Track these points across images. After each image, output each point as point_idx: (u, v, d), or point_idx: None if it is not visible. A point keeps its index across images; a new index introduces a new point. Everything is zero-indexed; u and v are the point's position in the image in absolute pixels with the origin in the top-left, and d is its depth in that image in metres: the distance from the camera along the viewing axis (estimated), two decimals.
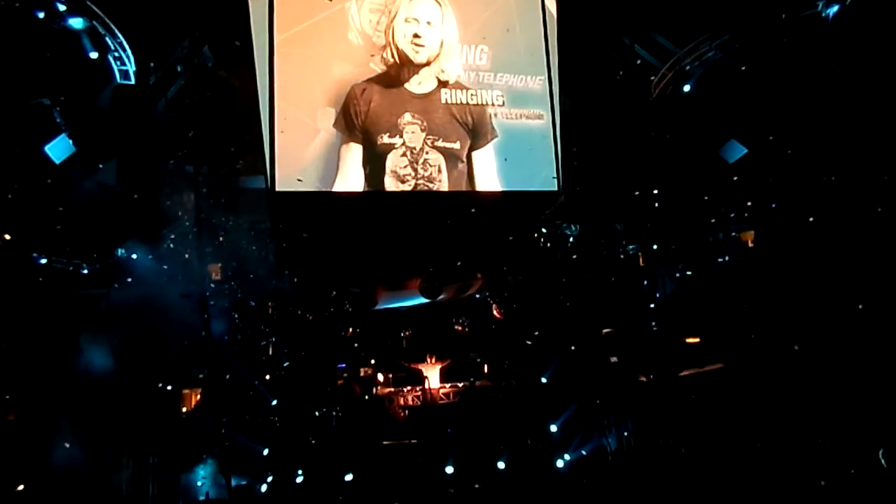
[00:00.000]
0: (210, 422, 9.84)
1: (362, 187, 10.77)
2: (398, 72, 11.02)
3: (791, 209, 11.11)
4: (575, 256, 12.46)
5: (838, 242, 10.37)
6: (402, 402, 11.42)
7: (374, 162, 10.78)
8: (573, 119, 12.08)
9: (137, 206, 10.74)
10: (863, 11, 10.38)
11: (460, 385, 11.57)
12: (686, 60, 11.93)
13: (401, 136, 10.90)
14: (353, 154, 10.72)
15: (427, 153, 10.94)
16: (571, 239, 12.47)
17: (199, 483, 9.49)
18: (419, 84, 11.13)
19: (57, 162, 10.03)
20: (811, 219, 10.92)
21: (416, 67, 11.11)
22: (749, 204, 11.59)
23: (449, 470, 9.57)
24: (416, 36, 11.05)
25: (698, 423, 9.53)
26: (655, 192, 12.06)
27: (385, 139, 10.83)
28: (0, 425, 9.28)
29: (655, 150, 12.04)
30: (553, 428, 10.11)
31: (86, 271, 10.53)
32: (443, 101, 11.22)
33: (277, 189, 10.44)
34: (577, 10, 12.06)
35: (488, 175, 11.34)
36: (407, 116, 10.99)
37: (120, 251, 10.64)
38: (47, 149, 9.98)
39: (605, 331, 11.77)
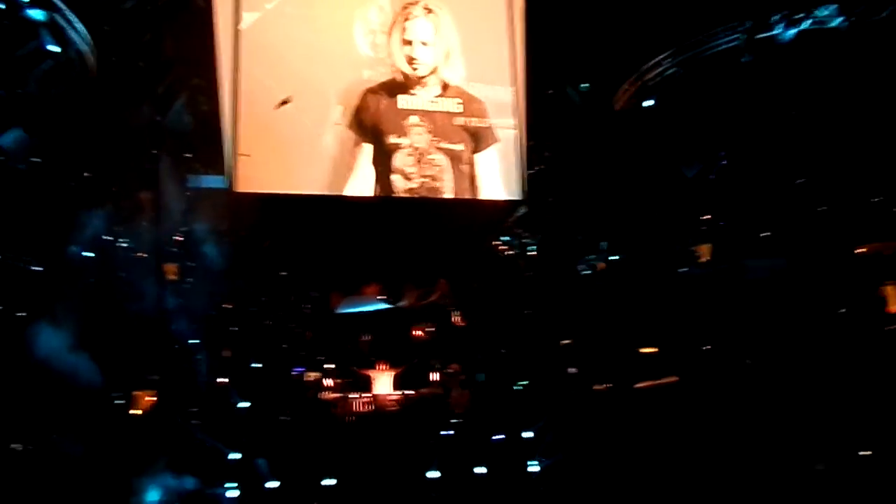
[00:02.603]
0: (168, 422, 9.58)
1: (372, 186, 11.34)
2: (402, 80, 11.72)
3: (746, 223, 11.33)
4: (535, 266, 12.53)
5: (795, 257, 10.61)
6: (349, 408, 11.28)
7: (384, 161, 11.47)
8: (538, 129, 12.22)
9: (93, 201, 10.46)
10: (817, 38, 10.74)
11: (412, 392, 11.50)
12: (648, 76, 12.14)
13: (408, 137, 11.47)
14: (365, 154, 11.37)
15: (432, 154, 11.27)
16: (533, 248, 12.56)
17: (149, 488, 9.22)
18: (425, 89, 11.75)
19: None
20: (766, 233, 11.15)
21: (420, 78, 11.76)
22: (706, 217, 11.79)
23: (433, 475, 9.46)
24: (412, 58, 11.69)
25: (652, 436, 9.59)
26: (616, 203, 12.21)
27: (393, 139, 11.44)
28: None
29: (617, 163, 12.21)
30: (528, 434, 10.09)
31: (38, 269, 10.19)
32: (446, 105, 11.79)
33: (247, 190, 10.50)
34: (545, 22, 12.25)
35: (492, 178, 11.75)
36: (413, 119, 11.64)
37: (73, 248, 10.33)
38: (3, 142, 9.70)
39: (563, 342, 11.84)
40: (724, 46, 11.29)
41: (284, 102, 10.82)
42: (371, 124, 11.34)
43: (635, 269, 11.98)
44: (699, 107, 11.61)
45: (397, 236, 11.73)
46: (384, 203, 11.48)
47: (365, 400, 11.34)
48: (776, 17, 10.87)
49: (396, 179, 11.38)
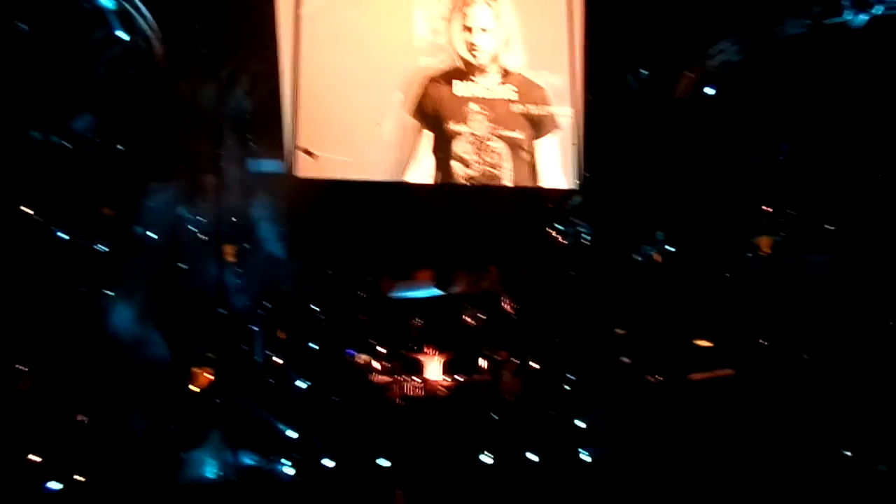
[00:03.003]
0: (227, 396, 9.82)
1: (432, 173, 11.47)
2: (463, 68, 11.71)
3: (811, 216, 11.04)
4: (590, 255, 12.42)
5: (860, 252, 10.31)
6: (400, 391, 11.40)
7: (444, 148, 11.54)
8: (595, 117, 12.09)
9: (158, 183, 10.76)
10: (890, 24, 10.34)
11: (461, 378, 11.55)
12: (710, 62, 11.88)
13: (468, 125, 11.47)
14: (426, 141, 11.48)
15: (492, 141, 11.32)
16: (587, 237, 12.44)
17: (205, 461, 9.47)
18: (484, 77, 11.69)
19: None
20: (832, 227, 10.85)
21: (480, 65, 11.74)
22: (769, 210, 11.52)
23: (487, 460, 9.52)
24: (472, 44, 11.67)
25: (703, 428, 9.45)
26: (674, 193, 12.02)
27: (453, 127, 11.51)
28: (12, 396, 9.32)
29: (676, 152, 12.00)
30: (581, 424, 10.06)
31: (104, 249, 10.55)
32: (506, 92, 11.70)
33: (307, 176, 10.82)
34: (605, 7, 12.09)
35: (551, 166, 11.75)
36: (473, 106, 11.61)
37: (138, 229, 10.65)
38: (75, 126, 10.05)
39: (617, 331, 11.74)
40: (791, 32, 10.98)
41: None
42: (432, 112, 11.38)
43: (691, 261, 11.78)
44: (763, 95, 11.33)
45: (452, 223, 11.76)
46: (440, 190, 11.50)
47: (415, 384, 11.48)
48: (847, 2, 10.51)
49: (456, 166, 11.41)
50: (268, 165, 11.52)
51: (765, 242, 11.69)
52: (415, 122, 11.36)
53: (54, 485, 8.30)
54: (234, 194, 11.12)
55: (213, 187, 10.92)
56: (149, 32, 10.71)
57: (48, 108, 10.09)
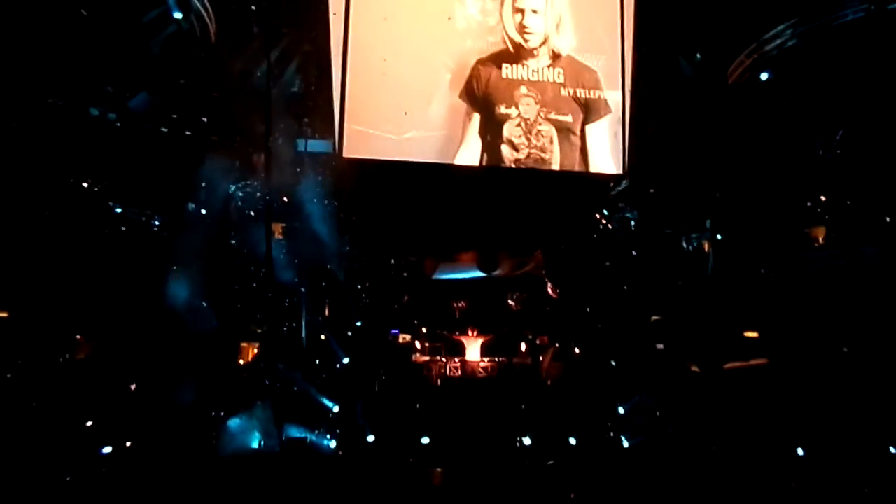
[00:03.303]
0: (272, 370, 10.08)
1: (479, 155, 11.33)
2: (513, 51, 11.52)
3: (868, 206, 10.73)
4: (636, 241, 12.31)
5: None
6: (440, 371, 11.53)
7: (493, 131, 11.39)
8: (646, 102, 11.89)
9: (210, 161, 11.02)
10: None
11: (499, 360, 11.61)
12: (766, 48, 11.55)
13: (517, 108, 11.41)
14: (474, 123, 11.35)
15: (540, 124, 11.30)
16: (633, 223, 12.32)
17: (251, 432, 9.77)
18: (535, 59, 11.54)
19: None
20: (888, 219, 10.53)
21: (531, 49, 11.54)
22: (823, 199, 11.23)
23: (526, 441, 9.61)
24: (523, 26, 11.45)
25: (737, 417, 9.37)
26: (724, 181, 11.79)
27: (502, 110, 11.38)
28: (70, 364, 9.72)
29: (728, 139, 11.75)
30: (621, 410, 10.06)
31: (157, 223, 10.86)
32: (556, 75, 11.57)
33: (353, 156, 10.82)
34: None
35: (601, 150, 11.64)
36: (522, 89, 11.43)
37: (191, 205, 10.96)
38: (131, 104, 10.35)
39: (653, 318, 11.65)
40: (849, 17, 10.60)
41: None
42: (481, 94, 11.31)
43: (740, 250, 11.58)
44: (819, 82, 11.00)
45: (497, 206, 11.76)
46: (488, 173, 11.47)
47: (454, 364, 11.59)
48: None
49: (505, 149, 11.33)
50: (317, 145, 11.67)
51: (819, 233, 11.43)
52: (463, 104, 11.35)
53: (107, 449, 8.68)
54: (284, 173, 11.35)
55: (263, 166, 11.16)
56: (202, 12, 10.91)
57: (105, 85, 10.42)
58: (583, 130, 11.56)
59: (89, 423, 8.93)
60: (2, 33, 9.09)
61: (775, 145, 11.58)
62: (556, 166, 11.48)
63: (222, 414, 9.79)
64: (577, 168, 11.57)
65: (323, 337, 11.04)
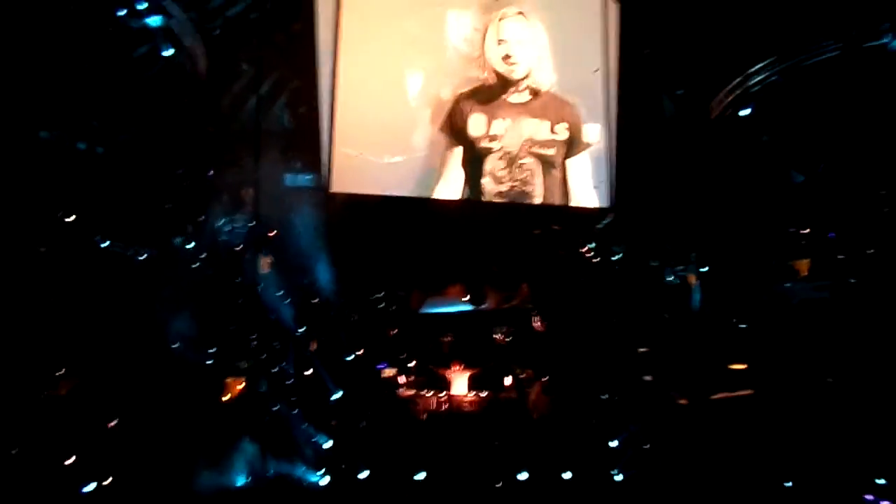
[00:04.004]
0: (259, 405, 9.97)
1: (462, 188, 11.50)
2: (496, 84, 11.65)
3: (851, 239, 10.90)
4: (622, 274, 12.39)
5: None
6: (426, 406, 11.46)
7: (475, 164, 11.53)
8: (629, 137, 12.07)
9: (195, 194, 11.03)
10: None
11: (484, 395, 11.55)
12: (746, 84, 11.82)
13: (499, 142, 11.52)
14: (456, 157, 11.49)
15: (523, 158, 11.38)
16: (619, 256, 12.40)
17: (237, 468, 9.61)
18: (516, 94, 11.67)
19: None
20: (871, 251, 10.69)
21: (513, 82, 11.68)
22: (807, 232, 11.40)
23: (522, 476, 9.52)
24: (507, 56, 11.57)
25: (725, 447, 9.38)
26: (708, 214, 11.95)
27: (485, 143, 11.50)
28: (50, 400, 9.56)
29: (711, 174, 11.94)
30: (613, 444, 10.00)
31: (142, 258, 10.79)
32: (539, 109, 11.71)
33: (341, 190, 11.06)
34: (638, 28, 12.10)
35: (582, 184, 11.73)
36: (506, 122, 11.58)
37: (177, 239, 10.92)
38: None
39: (640, 349, 11.67)
40: (827, 55, 10.90)
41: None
42: (462, 128, 11.46)
43: (724, 283, 11.67)
44: (799, 117, 11.25)
45: (482, 240, 11.83)
46: (470, 206, 11.56)
47: (441, 399, 11.50)
48: (886, 26, 10.41)
49: (486, 183, 11.44)
50: (304, 180, 11.72)
51: (803, 265, 11.56)
52: (444, 138, 11.58)
53: (89, 487, 8.51)
54: (272, 207, 11.36)
55: (251, 200, 11.18)
56: (194, 48, 11.01)
57: (91, 119, 10.45)
58: (563, 164, 11.72)
59: (71, 461, 8.79)
60: None
61: (757, 179, 11.78)
62: (538, 199, 11.59)
63: (207, 450, 9.62)
64: (557, 201, 11.70)
65: (311, 371, 10.94)
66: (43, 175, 9.85)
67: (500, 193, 11.50)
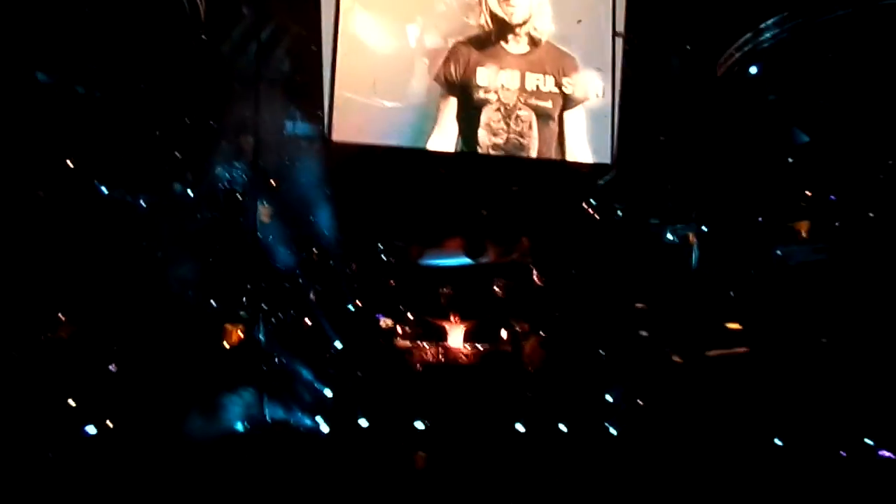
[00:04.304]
0: (258, 352, 10.06)
1: (456, 140, 11.39)
2: (494, 31, 11.51)
3: (851, 202, 10.86)
4: (620, 231, 12.39)
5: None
6: (420, 357, 11.54)
7: (470, 116, 11.41)
8: (634, 91, 11.93)
9: (196, 142, 10.94)
10: None
11: (480, 347, 11.64)
12: (755, 41, 11.62)
13: (496, 93, 11.37)
14: (450, 108, 11.37)
15: (520, 109, 11.25)
16: (619, 213, 12.39)
17: (235, 414, 9.74)
18: (515, 43, 11.54)
19: None
20: (871, 214, 10.67)
21: (511, 27, 11.49)
22: (808, 193, 11.36)
23: (520, 428, 9.64)
24: (506, 1, 11.45)
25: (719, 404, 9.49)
26: (710, 173, 11.88)
27: (481, 94, 11.37)
28: (51, 343, 9.64)
29: (716, 131, 11.84)
30: (609, 398, 10.12)
31: (144, 205, 10.76)
32: (537, 60, 11.54)
33: (343, 140, 10.97)
34: None
35: (578, 138, 11.61)
36: (503, 73, 11.44)
37: (177, 186, 10.88)
38: None
39: (637, 305, 11.73)
40: (840, 12, 10.68)
41: None
42: (459, 78, 11.28)
43: (724, 242, 11.68)
44: (808, 77, 11.10)
45: (483, 193, 11.79)
46: (472, 159, 11.49)
47: (436, 350, 11.60)
48: None
49: (482, 134, 11.31)
50: (306, 128, 11.63)
51: (803, 227, 11.56)
52: (439, 87, 11.33)
53: (91, 429, 8.64)
54: (272, 156, 11.28)
55: (251, 148, 11.10)
56: None
57: (90, 63, 10.29)
58: (561, 117, 11.60)
59: (72, 403, 8.90)
60: None
61: (761, 139, 11.69)
62: (533, 153, 11.49)
63: (205, 396, 9.74)
64: (553, 155, 11.61)
65: (309, 322, 11.02)
66: (41, 119, 9.74)
67: (495, 146, 11.40)
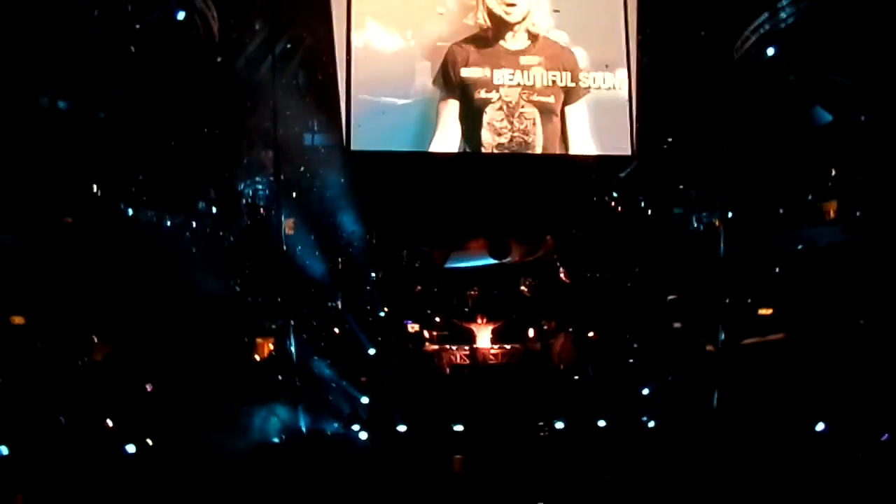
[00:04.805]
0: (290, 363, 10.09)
1: (459, 142, 11.28)
2: (492, 30, 11.40)
3: (878, 181, 10.69)
4: (646, 222, 12.30)
5: None
6: (449, 360, 11.50)
7: (472, 116, 11.31)
8: (651, 81, 11.83)
9: (217, 159, 11.05)
10: None
11: (509, 347, 11.59)
12: (771, 22, 11.49)
13: (497, 92, 11.29)
14: (451, 110, 11.26)
15: (523, 107, 11.22)
16: (643, 204, 12.30)
17: (271, 425, 9.78)
18: (513, 40, 11.45)
19: None
20: None
21: (510, 25, 11.40)
22: (833, 173, 11.20)
23: (559, 425, 9.59)
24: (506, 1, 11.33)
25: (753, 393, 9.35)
26: (733, 159, 11.73)
27: (482, 94, 11.28)
28: (86, 366, 9.74)
29: (736, 116, 11.69)
30: (645, 391, 10.01)
31: (169, 223, 10.88)
32: (536, 56, 11.49)
33: (361, 148, 10.93)
34: None
35: (581, 131, 11.55)
36: (503, 72, 11.35)
37: (201, 204, 10.98)
38: None
39: (669, 297, 11.61)
40: None
41: None
42: (458, 79, 11.23)
43: (753, 227, 11.53)
44: (824, 56, 10.95)
45: (506, 193, 11.74)
46: (476, 158, 11.40)
47: (464, 352, 11.56)
48: None
49: (485, 134, 11.19)
50: (325, 139, 11.69)
51: (831, 207, 11.39)
52: (438, 90, 11.21)
53: (131, 448, 8.71)
54: (293, 168, 11.35)
55: (271, 161, 11.16)
56: (205, 11, 10.89)
57: (109, 88, 10.43)
58: (563, 112, 11.48)
59: (110, 423, 8.98)
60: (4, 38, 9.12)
61: (783, 120, 11.54)
62: (538, 149, 11.38)
63: (241, 409, 9.80)
64: (557, 150, 11.49)
65: (337, 330, 11.05)
66: (63, 145, 9.88)
67: (499, 145, 11.26)
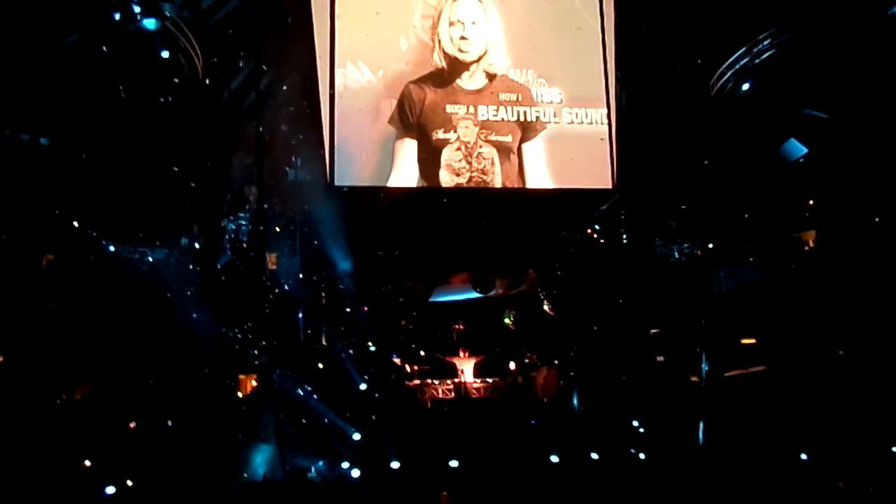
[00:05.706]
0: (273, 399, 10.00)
1: (416, 181, 11.11)
2: (449, 69, 11.39)
3: (855, 209, 10.85)
4: (627, 255, 12.38)
5: None
6: (432, 394, 11.48)
7: (430, 156, 11.16)
8: (630, 116, 12.01)
9: (200, 195, 11.03)
10: None
11: (490, 381, 11.55)
12: (745, 59, 11.71)
13: (455, 132, 11.22)
14: (408, 149, 11.12)
15: (481, 147, 11.19)
16: (625, 237, 12.39)
17: (256, 464, 9.68)
18: (470, 79, 11.44)
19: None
20: (877, 219, 10.65)
21: (466, 64, 11.44)
22: (811, 203, 11.35)
23: (554, 459, 9.53)
24: (462, 38, 11.37)
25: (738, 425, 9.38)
26: (712, 190, 11.89)
27: (440, 134, 11.19)
28: (66, 405, 9.61)
29: (714, 149, 11.87)
30: (635, 423, 10.00)
31: (151, 259, 10.82)
32: (493, 95, 11.47)
33: (344, 184, 10.93)
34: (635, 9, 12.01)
35: (537, 168, 11.50)
36: (460, 111, 11.30)
37: (184, 240, 10.94)
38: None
39: (652, 331, 11.66)
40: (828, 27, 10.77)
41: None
42: (415, 119, 11.16)
43: (732, 258, 11.64)
44: (799, 90, 11.17)
45: (488, 226, 11.79)
46: (477, 195, 11.44)
47: (447, 386, 11.51)
48: None
49: (443, 175, 11.09)
50: (307, 175, 11.71)
51: (809, 237, 11.52)
52: (394, 129, 11.09)
53: (110, 489, 8.57)
54: (276, 203, 11.36)
55: (255, 197, 11.17)
56: (189, 49, 10.94)
57: (91, 125, 10.43)
58: (519, 149, 11.49)
59: (89, 464, 8.84)
60: None
61: (759, 153, 11.71)
62: (497, 186, 11.37)
63: (224, 446, 9.69)
64: (515, 186, 11.47)
65: (321, 365, 11.00)
66: (43, 182, 9.84)
67: (458, 185, 11.21)
